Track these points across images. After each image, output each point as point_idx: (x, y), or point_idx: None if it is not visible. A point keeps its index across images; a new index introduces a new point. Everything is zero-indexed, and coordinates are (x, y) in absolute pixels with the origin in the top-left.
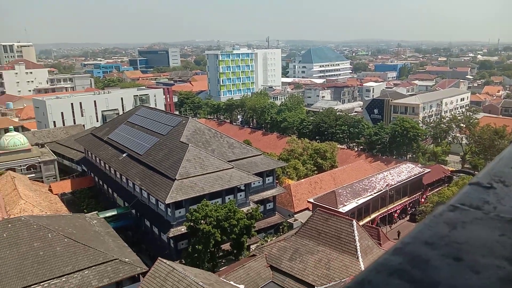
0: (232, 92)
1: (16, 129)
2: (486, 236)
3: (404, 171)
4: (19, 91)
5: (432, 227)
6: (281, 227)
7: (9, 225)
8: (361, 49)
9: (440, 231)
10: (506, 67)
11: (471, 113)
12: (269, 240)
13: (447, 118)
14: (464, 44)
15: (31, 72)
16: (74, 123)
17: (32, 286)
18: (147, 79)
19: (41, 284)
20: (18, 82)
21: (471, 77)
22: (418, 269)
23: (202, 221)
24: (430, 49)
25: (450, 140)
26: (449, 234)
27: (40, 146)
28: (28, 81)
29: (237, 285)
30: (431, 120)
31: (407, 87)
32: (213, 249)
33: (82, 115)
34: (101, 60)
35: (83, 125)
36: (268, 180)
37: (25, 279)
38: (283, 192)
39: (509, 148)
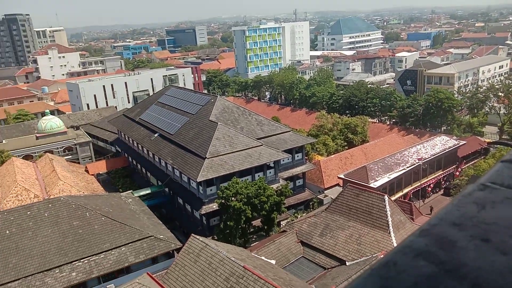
0: (260, 69)
1: (52, 113)
2: None
3: (438, 144)
4: (53, 75)
5: (460, 207)
6: (311, 203)
7: (50, 205)
8: (393, 18)
9: (468, 211)
10: None
11: (510, 81)
12: (299, 216)
13: (484, 88)
14: (505, 7)
15: (63, 56)
16: (107, 105)
17: (74, 262)
18: (175, 58)
19: (82, 260)
20: (51, 66)
21: (511, 42)
22: (444, 250)
23: (233, 198)
24: (466, 15)
25: (487, 111)
26: (477, 214)
27: (75, 129)
28: (61, 65)
29: (269, 260)
30: (467, 90)
31: (441, 56)
32: (244, 225)
33: (114, 97)
34: (130, 42)
35: (115, 107)
36: (298, 156)
37: (67, 256)
38: (313, 168)
39: None
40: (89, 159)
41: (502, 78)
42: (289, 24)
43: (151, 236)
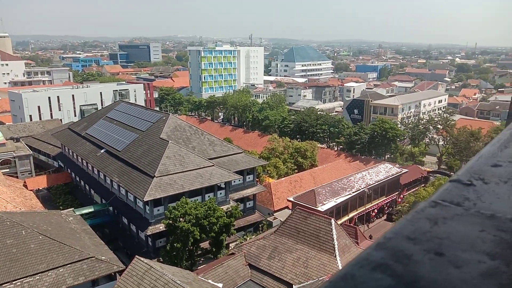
0: (214, 89)
1: None
2: (467, 232)
3: (382, 171)
4: None
5: (414, 222)
6: (260, 226)
7: None
8: (343, 50)
9: (421, 226)
10: (483, 71)
11: (448, 115)
12: (248, 239)
13: (424, 120)
14: (443, 47)
15: (7, 64)
16: (51, 117)
17: (4, 285)
18: (127, 74)
19: (14, 282)
20: None
21: (449, 79)
22: (400, 263)
23: (181, 219)
24: (410, 51)
25: (427, 141)
26: (430, 229)
27: (15, 141)
28: (4, 73)
29: (216, 284)
30: (410, 121)
31: (387, 88)
32: (191, 247)
33: (60, 109)
34: (80, 54)
35: (61, 120)
36: (249, 178)
37: None
38: (263, 190)
39: (488, 147)
40: (29, 174)
41: (441, 111)
42: (245, 48)
43: (92, 257)
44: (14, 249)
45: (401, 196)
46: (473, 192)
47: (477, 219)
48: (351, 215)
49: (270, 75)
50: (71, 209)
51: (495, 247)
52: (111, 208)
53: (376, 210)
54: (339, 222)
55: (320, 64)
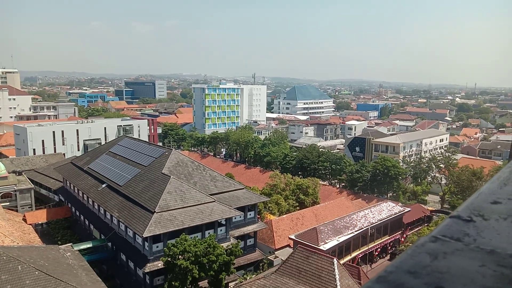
0: (217, 126)
1: None
2: (467, 266)
3: (384, 210)
4: (0, 117)
5: (414, 256)
6: (261, 264)
7: None
8: (344, 89)
9: (422, 260)
10: (483, 110)
11: (450, 154)
12: (248, 278)
13: (426, 158)
14: (443, 87)
15: (14, 99)
16: (55, 151)
17: None
18: (132, 109)
19: None
20: (0, 108)
21: (449, 119)
22: None
23: (180, 257)
24: (410, 91)
25: (429, 180)
26: (430, 264)
27: (17, 174)
28: (11, 108)
29: None
30: (411, 160)
31: (388, 127)
32: (190, 286)
33: (64, 144)
34: (86, 90)
35: (64, 154)
36: (250, 215)
37: None
38: (264, 227)
39: (487, 185)
40: (29, 207)
41: (442, 150)
42: (248, 86)
43: None
44: (9, 286)
45: (404, 235)
46: (473, 228)
47: (477, 254)
48: (353, 254)
49: (272, 113)
50: (69, 244)
51: (496, 282)
52: (110, 244)
53: (379, 250)
54: (342, 261)
55: (322, 102)
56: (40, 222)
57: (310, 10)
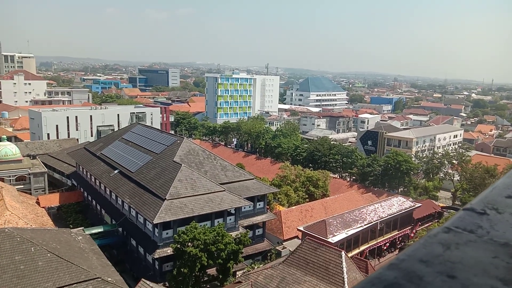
0: (229, 115)
1: (9, 139)
2: (480, 258)
3: (395, 204)
4: (16, 101)
5: (427, 246)
6: (269, 254)
7: None
8: (358, 81)
9: (434, 250)
10: (499, 107)
11: (463, 150)
12: (256, 267)
13: (439, 154)
14: (459, 82)
15: (29, 83)
16: (68, 136)
17: None
18: (145, 97)
19: None
20: (15, 92)
21: (464, 115)
22: (412, 283)
23: (189, 244)
24: (425, 85)
25: (442, 176)
26: (443, 253)
27: (31, 158)
28: (26, 92)
29: None
30: (424, 155)
31: (401, 121)
32: (198, 273)
33: (77, 129)
34: (100, 76)
35: (77, 139)
36: (259, 205)
37: None
38: (273, 218)
39: (503, 179)
40: (42, 191)
41: (456, 147)
42: (261, 77)
43: (98, 277)
44: (22, 266)
45: (414, 231)
46: (486, 220)
47: (490, 246)
48: (362, 248)
49: (284, 104)
50: (81, 228)
51: (509, 273)
52: (120, 229)
53: (387, 244)
54: (350, 255)
55: (335, 94)
56: (53, 206)
57: (328, 1)
